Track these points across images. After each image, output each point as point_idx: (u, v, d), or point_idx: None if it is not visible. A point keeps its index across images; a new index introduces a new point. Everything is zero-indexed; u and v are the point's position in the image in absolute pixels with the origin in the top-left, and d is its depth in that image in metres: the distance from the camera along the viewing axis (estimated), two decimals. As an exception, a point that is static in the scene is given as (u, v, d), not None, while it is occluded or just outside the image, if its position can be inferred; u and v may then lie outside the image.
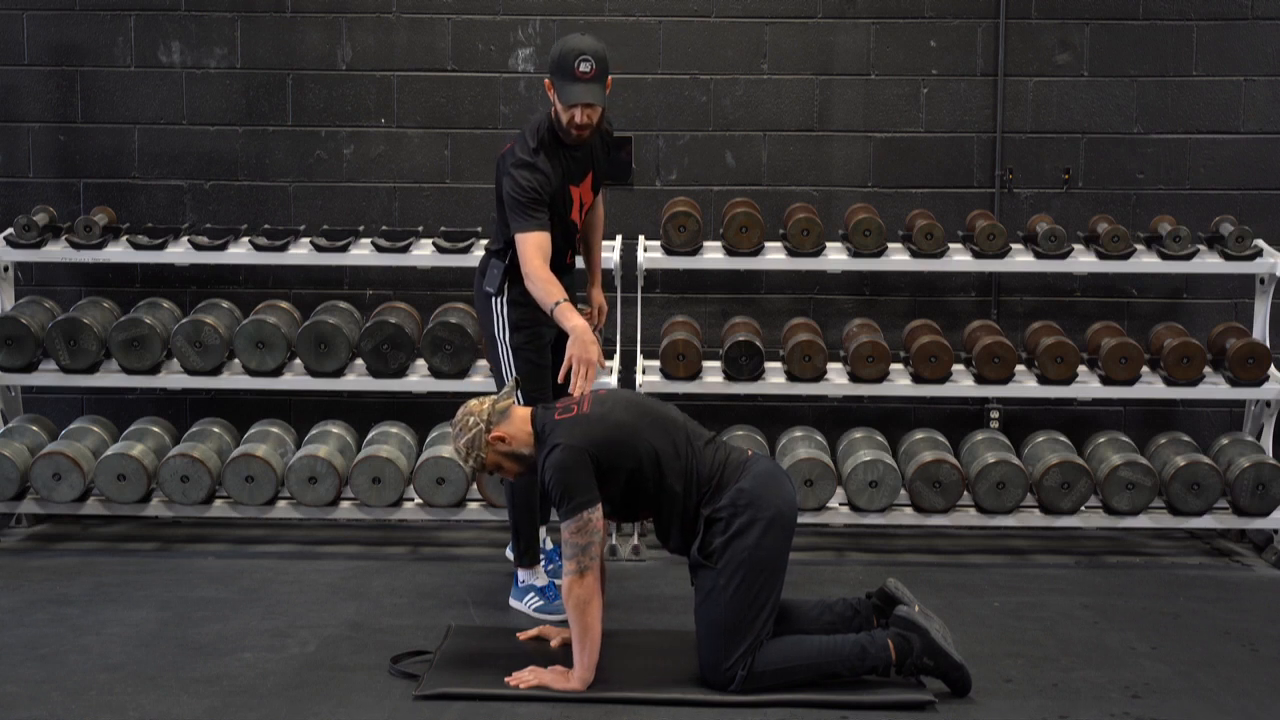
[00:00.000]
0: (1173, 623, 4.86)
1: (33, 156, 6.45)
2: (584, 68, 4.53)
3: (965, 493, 5.68)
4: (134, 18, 6.39)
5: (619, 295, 6.00)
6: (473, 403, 4.16)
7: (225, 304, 6.05)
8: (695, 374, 5.78)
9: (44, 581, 5.20)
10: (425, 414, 6.12)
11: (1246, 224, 6.06)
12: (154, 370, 5.78)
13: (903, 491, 5.69)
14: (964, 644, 4.24)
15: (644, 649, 4.41)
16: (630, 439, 4.04)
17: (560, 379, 4.52)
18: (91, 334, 5.75)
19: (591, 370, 4.40)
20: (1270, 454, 5.80)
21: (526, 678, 4.07)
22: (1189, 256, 5.94)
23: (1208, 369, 5.87)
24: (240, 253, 5.98)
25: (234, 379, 5.81)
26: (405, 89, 6.41)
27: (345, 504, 5.68)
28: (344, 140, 6.43)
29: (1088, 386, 5.81)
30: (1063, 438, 5.94)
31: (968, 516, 5.71)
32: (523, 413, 4.17)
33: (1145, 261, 5.97)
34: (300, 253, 5.99)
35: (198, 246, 5.96)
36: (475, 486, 5.65)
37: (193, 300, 6.22)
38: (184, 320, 5.80)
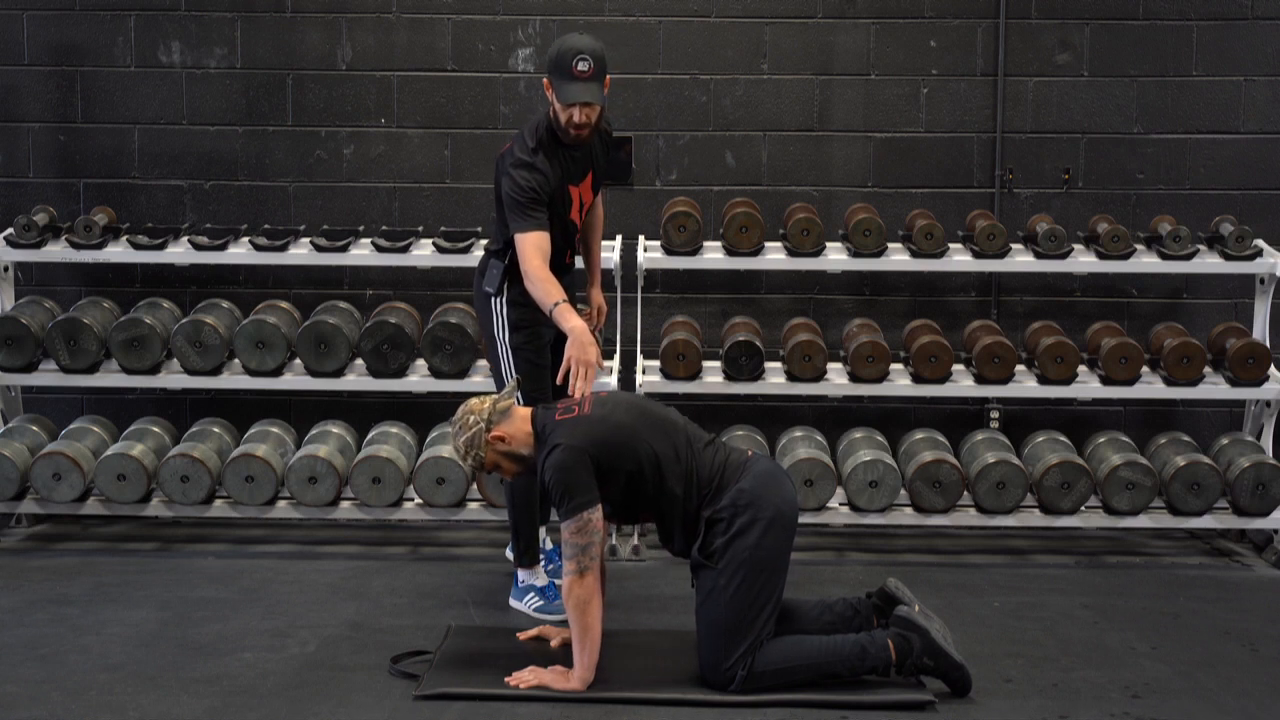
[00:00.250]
0: (1173, 623, 4.86)
1: (33, 156, 6.45)
2: (582, 67, 4.53)
3: (965, 493, 5.68)
4: (134, 18, 6.39)
5: (619, 295, 6.00)
6: (473, 401, 4.16)
7: (225, 304, 6.05)
8: (695, 374, 5.78)
9: (44, 581, 5.20)
10: (425, 414, 6.12)
11: (1246, 224, 6.06)
12: (154, 370, 5.78)
13: (903, 491, 5.69)
14: (964, 644, 4.24)
15: (644, 649, 4.41)
16: (630, 441, 4.04)
17: (559, 380, 4.52)
18: (91, 334, 5.75)
19: (590, 371, 4.39)
20: (1270, 454, 5.79)
21: (526, 678, 4.07)
22: (1189, 256, 5.94)
23: (1208, 369, 5.87)
24: (240, 253, 5.98)
25: (234, 379, 5.81)
26: (405, 89, 6.41)
27: (345, 504, 5.68)
28: (344, 140, 6.43)
29: (1088, 386, 5.81)
30: (1063, 438, 5.94)
31: (968, 516, 5.70)
32: (523, 413, 4.17)
33: (1145, 261, 5.97)
34: (300, 253, 5.99)
35: (198, 246, 5.96)
36: (475, 486, 5.65)
37: (193, 300, 6.22)
38: (184, 320, 5.80)
